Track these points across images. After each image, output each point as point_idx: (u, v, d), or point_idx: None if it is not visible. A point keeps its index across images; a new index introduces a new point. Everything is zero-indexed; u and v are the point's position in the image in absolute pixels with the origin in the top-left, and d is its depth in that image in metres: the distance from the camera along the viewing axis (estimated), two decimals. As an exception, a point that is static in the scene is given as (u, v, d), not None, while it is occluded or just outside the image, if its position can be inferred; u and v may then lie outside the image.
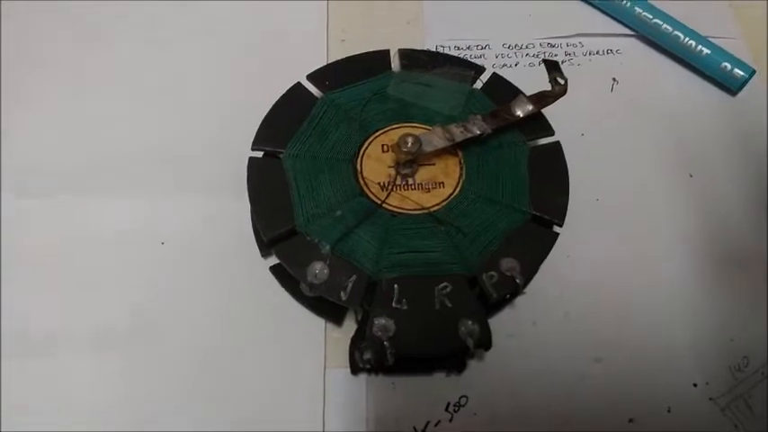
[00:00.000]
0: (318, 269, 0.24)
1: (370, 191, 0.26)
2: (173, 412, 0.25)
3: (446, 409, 0.25)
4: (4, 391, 0.25)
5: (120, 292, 0.27)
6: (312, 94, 0.29)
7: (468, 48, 0.34)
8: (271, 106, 0.28)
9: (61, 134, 0.31)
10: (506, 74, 0.30)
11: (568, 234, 0.26)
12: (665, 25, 0.34)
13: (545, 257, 0.25)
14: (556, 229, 0.26)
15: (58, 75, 0.33)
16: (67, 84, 0.33)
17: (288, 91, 0.28)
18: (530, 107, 0.27)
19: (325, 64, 0.30)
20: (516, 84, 0.29)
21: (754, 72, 0.33)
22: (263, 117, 0.28)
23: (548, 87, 0.28)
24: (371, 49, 0.30)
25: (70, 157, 0.30)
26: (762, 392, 0.26)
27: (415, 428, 0.25)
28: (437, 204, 0.26)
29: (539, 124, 0.28)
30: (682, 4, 0.35)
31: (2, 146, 0.31)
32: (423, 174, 0.27)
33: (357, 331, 0.26)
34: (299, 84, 0.29)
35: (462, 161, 0.27)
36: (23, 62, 0.33)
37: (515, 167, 0.27)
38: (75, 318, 0.27)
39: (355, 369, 0.26)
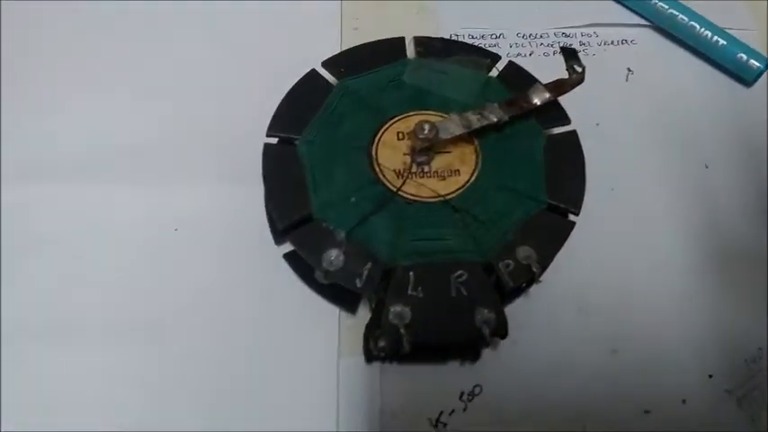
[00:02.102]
0: (334, 256, 0.24)
1: (386, 178, 0.26)
2: (186, 400, 0.25)
3: (460, 399, 0.25)
4: (5, 386, 0.25)
5: (132, 279, 0.27)
6: (327, 80, 0.28)
7: (483, 37, 0.34)
8: (286, 93, 0.28)
9: (74, 120, 0.31)
10: (521, 63, 0.30)
11: (584, 223, 0.26)
12: (680, 16, 0.34)
13: (561, 246, 0.25)
14: (572, 217, 0.26)
15: (72, 62, 0.33)
16: (81, 71, 0.33)
17: (303, 78, 0.28)
18: (547, 95, 0.27)
19: (339, 51, 0.30)
20: (532, 72, 0.29)
21: (770, 63, 0.33)
22: (279, 103, 0.27)
23: (562, 77, 0.27)
24: (385, 38, 0.30)
25: (82, 144, 0.30)
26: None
27: (429, 419, 0.25)
28: (453, 192, 0.26)
29: (555, 113, 0.28)
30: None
31: (5, 132, 0.30)
32: (438, 161, 0.26)
33: (371, 319, 0.26)
34: (313, 70, 0.28)
35: (478, 149, 0.27)
36: (32, 50, 0.33)
37: (531, 156, 0.27)
38: (87, 308, 0.27)
39: (370, 357, 0.26)
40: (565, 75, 0.27)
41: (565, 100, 0.28)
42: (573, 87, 0.27)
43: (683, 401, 0.25)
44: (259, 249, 0.28)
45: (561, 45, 0.34)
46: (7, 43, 0.33)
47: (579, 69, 0.27)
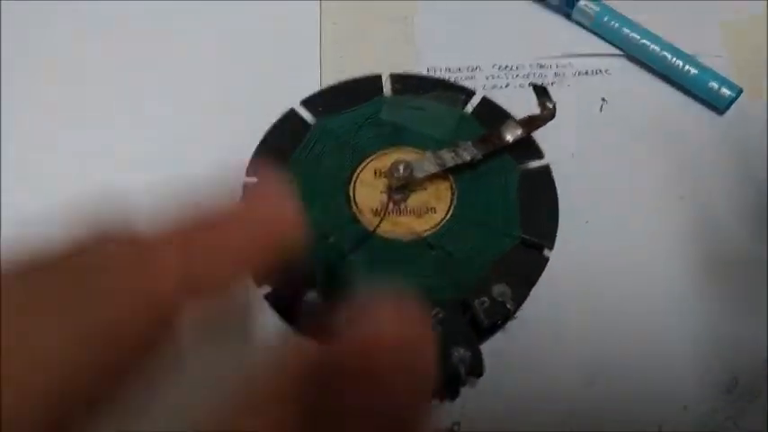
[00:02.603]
0: (311, 298, 0.24)
1: (364, 217, 0.26)
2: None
3: (440, 435, 0.26)
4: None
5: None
6: (305, 119, 0.29)
7: (459, 69, 0.35)
8: (265, 132, 0.28)
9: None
10: (497, 95, 0.31)
11: (559, 257, 0.27)
12: (652, 46, 0.34)
13: (536, 282, 0.26)
14: (546, 252, 0.26)
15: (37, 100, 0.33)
16: (49, 107, 0.33)
17: (281, 117, 0.29)
18: (519, 131, 0.28)
19: (318, 88, 0.31)
20: (508, 104, 0.30)
21: (741, 91, 0.33)
22: (257, 144, 0.28)
23: (538, 109, 0.28)
24: (364, 73, 0.31)
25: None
26: (752, 414, 0.26)
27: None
28: (429, 229, 0.26)
29: (528, 148, 0.29)
30: (670, 20, 0.36)
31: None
32: (415, 199, 0.27)
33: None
34: (292, 110, 0.29)
35: (453, 186, 0.27)
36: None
37: (505, 192, 0.27)
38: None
39: (349, 395, 0.26)
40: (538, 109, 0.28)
41: (540, 131, 0.28)
42: (545, 123, 0.28)
43: (659, 432, 0.26)
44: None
45: (537, 77, 0.34)
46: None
47: (550, 105, 0.28)
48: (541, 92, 0.28)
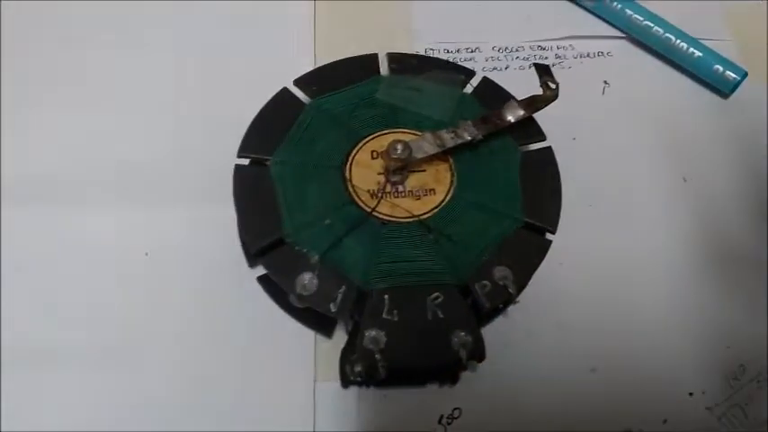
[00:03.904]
0: (307, 280, 0.23)
1: (360, 199, 0.25)
2: (160, 425, 0.24)
3: (439, 422, 0.25)
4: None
5: (104, 304, 0.27)
6: (299, 99, 0.28)
7: (458, 51, 0.34)
8: (257, 112, 0.27)
9: (45, 143, 0.30)
10: (497, 77, 0.30)
11: (561, 241, 0.26)
12: (656, 28, 0.34)
13: (538, 266, 0.25)
14: (548, 236, 0.26)
15: (44, 83, 0.32)
16: (52, 93, 0.32)
17: (274, 97, 0.28)
18: (521, 112, 0.27)
19: (312, 69, 0.30)
20: (507, 87, 0.29)
21: (746, 74, 0.33)
22: (250, 124, 0.27)
23: (537, 92, 0.27)
24: (360, 53, 0.30)
25: (52, 168, 0.30)
26: (758, 400, 0.25)
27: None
28: (428, 212, 0.25)
29: (530, 129, 0.28)
30: (673, 5, 0.35)
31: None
32: (413, 180, 0.26)
33: (347, 343, 0.25)
34: (285, 89, 0.28)
35: (453, 167, 0.26)
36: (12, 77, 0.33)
37: (507, 173, 0.27)
38: (60, 330, 0.26)
39: (346, 382, 0.25)
40: (540, 90, 0.27)
41: (541, 114, 0.28)
42: (547, 104, 0.27)
43: (664, 421, 0.25)
44: (233, 272, 0.27)
45: (537, 59, 0.34)
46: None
47: (553, 86, 0.27)
48: (544, 71, 0.27)
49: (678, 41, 0.33)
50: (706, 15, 0.36)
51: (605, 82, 0.34)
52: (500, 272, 0.24)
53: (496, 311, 0.26)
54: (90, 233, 0.28)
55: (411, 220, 0.25)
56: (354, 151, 0.27)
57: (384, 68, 0.29)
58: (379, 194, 0.25)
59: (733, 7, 0.36)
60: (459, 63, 0.31)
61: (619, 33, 0.35)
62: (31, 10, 0.34)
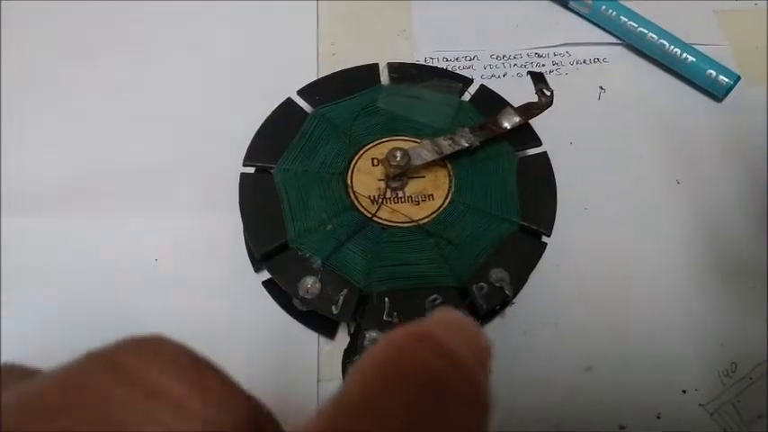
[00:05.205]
0: (310, 283, 0.24)
1: (361, 204, 0.26)
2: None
3: (439, 420, 0.26)
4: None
5: (112, 309, 0.27)
6: (302, 109, 0.29)
7: (457, 59, 0.35)
8: (262, 122, 0.28)
9: (52, 153, 0.31)
10: (495, 84, 0.31)
11: (557, 243, 0.27)
12: (650, 34, 0.34)
13: (534, 268, 0.26)
14: (544, 239, 0.26)
15: (49, 95, 0.33)
16: (59, 102, 0.33)
17: (278, 107, 0.29)
18: (517, 119, 0.28)
19: (315, 79, 0.31)
20: (505, 94, 0.30)
21: (738, 78, 0.33)
22: (255, 133, 0.28)
23: (536, 97, 0.28)
24: (361, 62, 0.31)
25: (60, 176, 0.30)
26: (750, 397, 0.26)
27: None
28: (427, 217, 0.26)
29: (526, 135, 0.29)
30: (667, 10, 0.36)
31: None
32: (412, 186, 0.27)
33: (349, 344, 0.26)
34: (289, 99, 0.29)
35: (451, 173, 0.27)
36: (15, 84, 0.34)
37: (504, 178, 0.27)
38: (66, 339, 0.27)
39: (348, 381, 0.26)
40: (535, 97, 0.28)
41: (538, 119, 0.28)
42: (542, 110, 0.28)
43: (658, 416, 0.26)
44: (239, 277, 0.28)
45: (534, 66, 0.35)
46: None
47: (548, 93, 0.28)
48: (539, 79, 0.28)
49: (672, 47, 0.34)
50: (700, 20, 0.37)
51: (601, 87, 0.34)
52: (496, 274, 0.25)
53: (494, 312, 0.27)
54: (100, 241, 0.29)
55: (410, 224, 0.26)
56: (356, 158, 0.28)
57: (384, 77, 0.30)
58: (380, 200, 0.26)
59: (727, 12, 0.37)
60: (458, 71, 0.32)
61: (614, 40, 0.36)
62: (34, 18, 0.35)
